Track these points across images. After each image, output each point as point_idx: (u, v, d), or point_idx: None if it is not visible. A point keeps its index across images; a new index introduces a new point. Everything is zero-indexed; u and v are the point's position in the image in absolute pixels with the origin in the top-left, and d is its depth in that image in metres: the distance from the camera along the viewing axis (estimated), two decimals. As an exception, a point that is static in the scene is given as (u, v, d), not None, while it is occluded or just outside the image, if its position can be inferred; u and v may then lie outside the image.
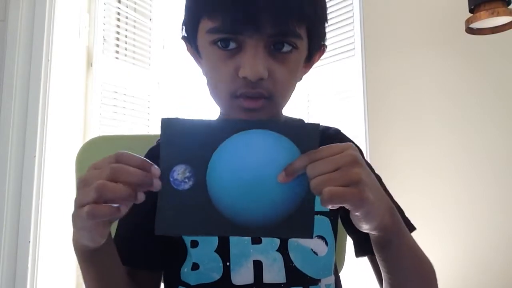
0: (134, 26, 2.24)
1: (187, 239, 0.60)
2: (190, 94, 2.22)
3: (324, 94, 2.00)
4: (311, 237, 0.44)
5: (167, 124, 0.44)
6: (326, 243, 0.62)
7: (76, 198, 0.43)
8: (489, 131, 1.65)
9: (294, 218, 0.44)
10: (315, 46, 0.63)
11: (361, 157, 0.45)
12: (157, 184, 0.43)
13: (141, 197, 0.43)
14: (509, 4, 1.47)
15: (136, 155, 0.44)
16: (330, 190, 0.41)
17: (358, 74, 1.86)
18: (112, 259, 0.53)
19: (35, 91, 1.71)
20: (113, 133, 1.99)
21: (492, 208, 1.58)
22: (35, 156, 1.68)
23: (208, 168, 0.44)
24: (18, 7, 1.71)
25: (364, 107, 1.81)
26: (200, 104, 2.13)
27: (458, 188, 1.64)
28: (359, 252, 0.67)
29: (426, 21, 1.79)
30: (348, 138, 0.70)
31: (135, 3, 2.26)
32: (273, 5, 0.53)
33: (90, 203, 0.41)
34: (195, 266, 0.59)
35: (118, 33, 2.17)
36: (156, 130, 1.81)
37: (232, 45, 0.56)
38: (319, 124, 0.45)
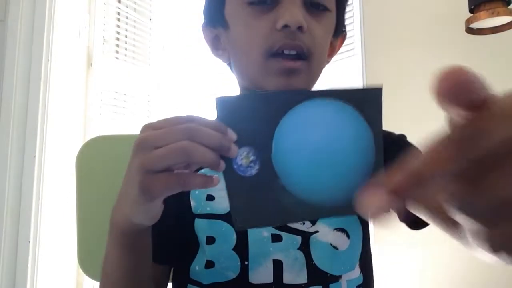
0: (134, 26, 2.24)
1: (203, 234, 0.56)
2: (190, 93, 2.22)
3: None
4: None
5: (223, 103, 0.38)
6: (348, 236, 0.57)
7: (138, 162, 0.36)
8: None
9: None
10: (339, 27, 0.63)
11: None
12: (234, 150, 0.37)
13: (223, 164, 0.37)
14: (509, 4, 1.47)
15: (207, 118, 0.38)
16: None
17: (358, 73, 1.86)
18: (150, 244, 0.48)
19: (35, 91, 1.71)
20: (113, 133, 1.99)
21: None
22: (35, 156, 1.68)
23: (273, 148, 0.39)
24: (18, 7, 1.71)
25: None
26: (200, 103, 2.13)
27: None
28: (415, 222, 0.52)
29: (426, 21, 1.79)
30: (413, 145, 0.61)
31: (135, 3, 2.26)
32: None
33: (171, 166, 0.36)
34: (209, 264, 0.55)
35: (118, 33, 2.17)
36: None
37: (268, 1, 0.54)
38: (381, 87, 0.39)
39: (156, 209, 0.40)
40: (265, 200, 0.39)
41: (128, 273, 0.46)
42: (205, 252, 0.55)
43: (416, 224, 0.55)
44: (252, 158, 0.39)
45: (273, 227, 0.56)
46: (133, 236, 0.43)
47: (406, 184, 0.24)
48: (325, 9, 0.57)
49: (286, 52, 0.54)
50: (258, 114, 0.39)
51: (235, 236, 0.55)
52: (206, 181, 0.37)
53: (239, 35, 0.58)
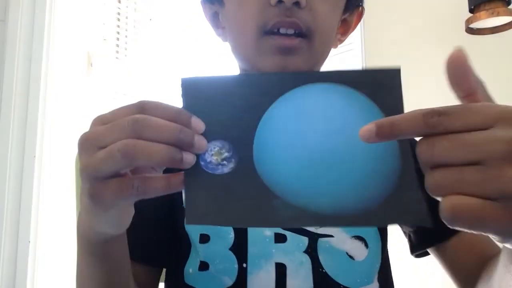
0: (134, 26, 2.24)
1: (195, 232, 0.50)
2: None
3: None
4: (429, 224, 0.29)
5: (189, 85, 0.31)
6: (366, 245, 0.51)
7: (82, 166, 0.30)
8: (489, 131, 1.65)
9: (392, 200, 0.29)
10: (353, 1, 0.56)
11: None
12: (200, 143, 0.29)
13: (189, 159, 0.29)
14: (509, 4, 1.47)
15: (167, 104, 0.30)
16: (457, 204, 0.24)
17: (358, 74, 1.86)
18: (124, 251, 0.41)
19: (35, 91, 1.71)
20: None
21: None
22: (35, 156, 1.68)
23: (256, 143, 0.31)
24: (18, 7, 1.71)
25: (364, 107, 1.82)
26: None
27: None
28: (421, 245, 0.53)
29: (426, 21, 1.79)
30: None
31: (135, 3, 2.26)
32: None
33: (118, 171, 0.29)
34: (203, 266, 0.49)
35: (118, 33, 2.17)
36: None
37: None
38: (399, 68, 0.32)
39: (119, 217, 0.34)
40: (238, 198, 0.31)
41: (101, 283, 0.40)
42: (198, 252, 0.50)
43: (424, 245, 0.54)
44: (225, 154, 0.31)
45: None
46: (101, 245, 0.37)
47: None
48: None
49: (282, 31, 0.48)
50: (237, 100, 0.31)
51: (232, 235, 0.49)
52: (168, 184, 0.30)
53: (233, 12, 0.53)
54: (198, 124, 0.30)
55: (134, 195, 0.29)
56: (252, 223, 0.34)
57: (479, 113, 0.25)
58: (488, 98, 0.27)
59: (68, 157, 1.75)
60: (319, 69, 0.56)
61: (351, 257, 0.50)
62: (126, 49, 2.20)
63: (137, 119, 0.29)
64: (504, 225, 0.24)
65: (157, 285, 0.56)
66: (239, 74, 0.32)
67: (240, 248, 0.49)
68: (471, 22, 1.50)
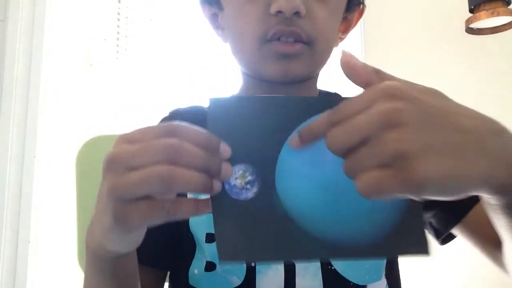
0: (134, 26, 2.25)
1: (201, 232, 0.49)
2: (190, 93, 2.22)
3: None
4: (429, 254, 0.30)
5: (217, 106, 0.31)
6: None
7: (109, 186, 0.30)
8: (489, 131, 1.65)
9: (400, 230, 0.31)
10: (354, 0, 0.55)
11: (408, 89, 0.28)
12: (226, 171, 0.30)
13: (217, 186, 0.30)
14: (509, 4, 1.47)
15: (197, 127, 0.30)
16: (363, 180, 0.27)
17: (358, 74, 1.86)
18: (134, 266, 0.42)
19: (35, 91, 1.71)
20: (113, 133, 1.99)
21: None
22: (35, 156, 1.68)
23: (278, 168, 0.31)
24: (18, 7, 1.71)
25: (364, 107, 1.81)
26: (199, 103, 2.13)
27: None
28: (446, 227, 0.52)
29: (426, 21, 1.79)
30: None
31: (135, 3, 2.26)
32: None
33: (149, 194, 0.29)
34: (210, 266, 0.48)
35: (118, 33, 2.17)
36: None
37: None
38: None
39: (135, 237, 0.35)
40: (262, 230, 0.31)
41: None
42: (205, 252, 0.49)
43: (448, 225, 0.53)
44: (249, 178, 0.31)
45: None
46: (111, 262, 0.38)
47: None
48: None
49: (282, 39, 0.48)
50: (262, 123, 0.31)
51: None
52: (197, 208, 0.30)
53: (232, 19, 0.52)
54: (226, 150, 0.30)
55: (163, 218, 0.30)
56: (277, 258, 0.34)
57: (363, 99, 0.28)
58: (384, 79, 0.30)
59: (68, 157, 1.75)
60: (320, 71, 0.56)
61: None
62: (126, 49, 2.20)
63: (172, 144, 0.29)
64: (404, 185, 0.26)
65: (162, 286, 0.56)
66: (265, 96, 0.32)
67: None
68: (471, 22, 1.50)
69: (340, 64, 0.30)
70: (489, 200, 0.30)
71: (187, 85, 2.23)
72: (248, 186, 0.31)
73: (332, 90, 0.62)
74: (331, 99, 0.34)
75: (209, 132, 0.30)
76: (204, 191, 0.30)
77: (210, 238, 0.49)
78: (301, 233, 0.31)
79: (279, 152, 0.31)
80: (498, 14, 1.43)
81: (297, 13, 0.46)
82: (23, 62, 1.71)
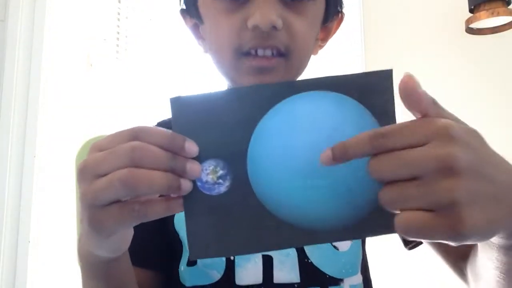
0: (134, 26, 2.25)
1: (183, 230, 0.48)
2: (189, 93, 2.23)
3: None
4: (394, 232, 0.30)
5: (178, 105, 0.31)
6: None
7: (81, 194, 0.31)
8: (489, 131, 1.65)
9: (376, 211, 0.30)
10: (333, 5, 0.55)
11: (465, 136, 0.27)
12: (193, 170, 0.30)
13: (186, 185, 0.30)
14: (509, 4, 1.47)
15: (160, 128, 0.31)
16: (405, 218, 0.27)
17: (358, 74, 1.86)
18: (128, 267, 0.43)
19: (35, 91, 1.71)
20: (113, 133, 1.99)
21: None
22: (35, 156, 1.68)
23: (249, 159, 0.31)
24: (18, 7, 1.71)
25: (364, 107, 1.81)
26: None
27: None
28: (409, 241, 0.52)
29: (426, 21, 1.79)
30: None
31: (135, 3, 2.26)
32: None
33: (117, 199, 0.30)
34: (192, 262, 0.50)
35: (118, 33, 2.17)
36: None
37: None
38: (391, 70, 0.31)
39: (119, 241, 0.35)
40: (236, 224, 0.31)
41: None
42: (187, 248, 0.49)
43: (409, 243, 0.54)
44: (221, 172, 0.31)
45: None
46: (102, 266, 0.38)
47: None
48: None
49: (259, 52, 0.48)
50: (227, 116, 0.30)
51: None
52: (168, 207, 0.31)
53: (211, 32, 0.52)
54: (192, 147, 0.30)
55: (135, 220, 0.30)
56: (251, 249, 0.34)
57: (416, 131, 0.28)
58: (440, 113, 0.29)
59: (68, 157, 1.75)
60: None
61: (335, 247, 0.51)
62: (126, 49, 2.20)
63: (133, 147, 0.29)
64: (447, 232, 0.26)
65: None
66: (227, 89, 0.33)
67: None
68: (471, 22, 1.51)
69: (398, 85, 0.29)
70: (493, 240, 0.32)
71: (187, 85, 2.23)
72: (220, 180, 0.31)
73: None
74: (292, 84, 0.31)
75: (173, 131, 0.30)
76: (170, 192, 0.30)
77: None
78: (275, 222, 0.31)
79: (248, 142, 0.31)
80: (498, 14, 1.44)
81: (274, 27, 0.46)
82: (23, 62, 1.71)
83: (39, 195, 1.68)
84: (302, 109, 0.30)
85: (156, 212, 0.30)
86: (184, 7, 0.58)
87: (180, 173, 0.30)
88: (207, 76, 2.07)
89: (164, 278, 0.56)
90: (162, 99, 2.34)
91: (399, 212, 0.28)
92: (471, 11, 1.53)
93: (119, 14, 2.19)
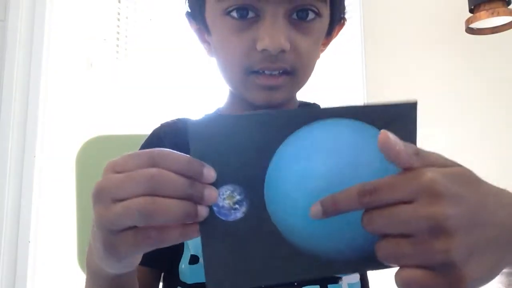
0: (134, 26, 2.25)
1: None
2: (190, 93, 2.22)
3: (324, 94, 1.99)
4: None
5: (197, 129, 0.30)
6: None
7: (97, 217, 0.31)
8: (489, 131, 1.65)
9: None
10: (337, 17, 0.57)
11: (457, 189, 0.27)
12: (211, 196, 0.30)
13: (203, 212, 0.30)
14: (509, 4, 1.47)
15: (178, 153, 0.30)
16: (403, 276, 0.27)
17: (358, 74, 1.86)
18: (134, 277, 0.43)
19: (35, 91, 1.71)
20: (113, 133, 1.99)
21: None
22: (35, 156, 1.68)
23: (266, 185, 0.30)
24: (18, 7, 1.71)
25: (364, 107, 1.81)
26: (199, 103, 2.13)
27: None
28: None
29: (426, 21, 1.79)
30: None
31: (135, 3, 2.26)
32: None
33: (133, 225, 0.30)
34: (193, 259, 0.50)
35: (118, 33, 2.17)
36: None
37: (250, 14, 0.49)
38: (416, 102, 0.31)
39: (130, 261, 0.35)
40: (252, 252, 0.30)
41: None
42: (189, 247, 0.51)
43: None
44: (237, 198, 0.30)
45: None
46: (111, 280, 0.39)
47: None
48: (315, 15, 0.51)
49: (267, 72, 0.50)
50: (246, 141, 0.30)
51: None
52: (184, 233, 0.30)
53: (219, 47, 0.54)
54: (210, 173, 0.30)
55: (149, 246, 0.30)
56: (268, 281, 0.33)
57: (403, 187, 0.27)
58: (425, 163, 0.29)
59: (68, 157, 1.75)
60: (302, 88, 0.57)
61: None
62: (126, 49, 2.20)
63: (152, 175, 0.29)
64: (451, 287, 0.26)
65: (157, 286, 0.57)
66: (246, 114, 0.31)
67: None
68: (471, 22, 1.50)
69: (378, 143, 0.28)
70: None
71: (187, 85, 2.23)
72: (237, 206, 0.30)
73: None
74: (313, 111, 0.31)
75: (191, 157, 0.30)
76: (187, 219, 0.30)
77: None
78: (291, 250, 0.30)
79: (266, 169, 0.30)
80: (498, 14, 1.43)
81: (282, 51, 0.48)
82: (23, 62, 1.71)
83: (39, 195, 1.68)
84: (321, 137, 0.30)
85: (171, 239, 0.30)
86: (189, 10, 0.59)
87: (197, 200, 0.30)
88: (206, 76, 2.07)
89: (160, 275, 0.56)
90: (162, 99, 2.34)
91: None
92: (471, 11, 1.53)
93: (119, 14, 2.19)
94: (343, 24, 0.60)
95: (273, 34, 0.47)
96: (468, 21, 1.52)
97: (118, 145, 0.79)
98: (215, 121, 0.30)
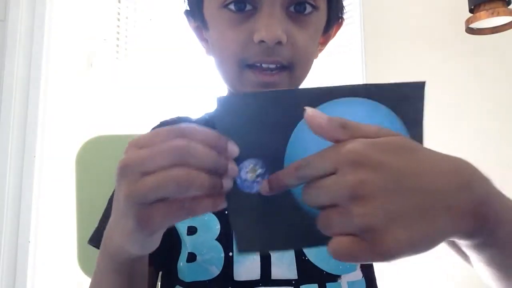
0: (134, 26, 2.25)
1: (183, 226, 0.52)
2: (190, 93, 2.22)
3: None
4: None
5: (223, 104, 0.32)
6: None
7: (126, 192, 0.31)
8: (489, 131, 1.65)
9: None
10: (334, 15, 0.57)
11: (375, 155, 0.28)
12: (233, 170, 0.31)
13: (228, 184, 0.31)
14: (509, 4, 1.47)
15: (205, 128, 0.31)
16: (333, 245, 0.28)
17: (358, 74, 1.86)
18: (146, 265, 0.44)
19: (35, 91, 1.71)
20: (113, 133, 1.99)
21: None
22: (35, 156, 1.68)
23: (286, 158, 0.32)
24: (18, 7, 1.71)
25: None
26: (198, 103, 2.13)
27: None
28: None
29: (426, 21, 1.79)
30: None
31: (135, 3, 2.26)
32: None
33: (166, 196, 0.31)
34: (191, 257, 0.51)
35: (118, 33, 2.17)
36: (156, 130, 1.80)
37: (248, 7, 0.49)
38: (424, 82, 0.33)
39: (155, 239, 0.36)
40: (275, 221, 0.33)
41: None
42: (186, 244, 0.52)
43: None
44: (259, 171, 0.32)
45: None
46: (128, 263, 0.39)
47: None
48: (312, 8, 0.51)
49: (264, 65, 0.50)
50: (268, 117, 0.32)
51: (219, 226, 0.51)
52: (214, 204, 0.31)
53: (216, 40, 0.54)
54: (234, 149, 0.31)
55: (183, 216, 0.31)
56: (289, 246, 0.36)
57: (327, 159, 0.29)
58: (353, 134, 0.29)
59: (68, 157, 1.75)
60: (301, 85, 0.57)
61: None
62: (126, 49, 2.20)
63: (181, 146, 0.30)
64: (372, 255, 0.27)
65: (156, 285, 0.57)
66: (269, 92, 0.33)
67: (226, 238, 0.50)
68: (471, 22, 1.50)
69: (306, 121, 0.30)
70: (459, 241, 0.31)
71: (187, 85, 2.24)
72: (259, 179, 0.32)
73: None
74: (331, 91, 0.33)
75: (217, 131, 0.31)
76: (214, 190, 0.31)
77: (191, 230, 0.51)
78: (309, 219, 0.31)
79: (286, 143, 0.32)
80: (498, 14, 1.43)
81: (279, 43, 0.48)
82: (23, 62, 1.71)
83: (39, 195, 1.68)
84: (337, 114, 0.31)
85: (203, 209, 0.31)
86: (188, 8, 0.59)
87: (221, 172, 0.31)
88: (206, 76, 2.07)
89: (158, 273, 0.57)
90: (162, 99, 2.34)
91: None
92: (471, 11, 1.53)
93: (119, 14, 2.19)
94: (341, 23, 0.61)
95: (270, 25, 0.47)
96: (468, 21, 1.52)
97: (118, 145, 0.79)
98: (240, 98, 0.32)
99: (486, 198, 0.29)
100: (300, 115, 0.31)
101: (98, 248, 0.46)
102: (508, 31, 1.53)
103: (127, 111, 2.14)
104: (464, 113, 1.69)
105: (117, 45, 2.16)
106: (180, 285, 0.52)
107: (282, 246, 0.35)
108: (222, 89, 0.60)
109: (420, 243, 0.27)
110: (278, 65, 0.50)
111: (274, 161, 0.32)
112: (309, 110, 0.30)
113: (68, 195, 1.72)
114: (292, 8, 0.50)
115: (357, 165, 0.27)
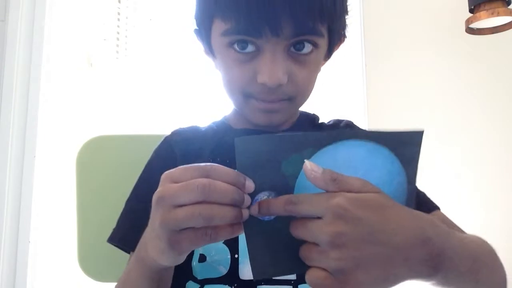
0: (134, 26, 2.25)
1: None
2: (190, 94, 2.22)
3: (323, 94, 2.00)
4: None
5: (242, 145, 0.37)
6: None
7: (161, 220, 0.37)
8: (489, 131, 1.65)
9: None
10: (336, 40, 0.60)
11: (357, 209, 0.35)
12: (248, 202, 0.38)
13: (246, 214, 0.38)
14: (509, 4, 1.47)
15: (226, 168, 0.38)
16: (311, 275, 0.36)
17: (358, 74, 1.86)
18: (172, 273, 0.52)
19: (35, 91, 1.71)
20: (113, 133, 1.99)
21: (492, 212, 1.58)
22: (35, 156, 1.68)
23: (295, 191, 0.38)
24: (18, 7, 1.71)
25: (364, 107, 1.82)
26: (198, 104, 2.13)
27: (457, 189, 1.64)
28: None
29: (426, 21, 1.79)
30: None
31: (135, 3, 2.26)
32: (291, 4, 0.49)
33: (195, 225, 0.37)
34: (202, 258, 0.57)
35: (118, 33, 2.17)
36: (156, 130, 1.80)
37: (250, 48, 0.53)
38: (423, 131, 0.39)
39: (183, 257, 0.41)
40: (284, 246, 0.39)
41: None
42: None
43: None
44: None
45: None
46: (159, 272, 0.46)
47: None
48: (313, 46, 0.54)
49: (266, 99, 0.55)
50: (281, 156, 0.37)
51: None
52: (233, 231, 0.38)
53: (222, 72, 0.58)
54: (250, 185, 0.38)
55: (206, 242, 0.38)
56: (298, 270, 0.41)
57: (316, 205, 0.36)
58: (341, 187, 0.36)
59: (68, 157, 1.75)
60: (301, 108, 0.63)
61: None
62: (126, 49, 2.20)
63: (205, 184, 0.36)
64: None
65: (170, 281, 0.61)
66: (281, 135, 0.38)
67: (233, 241, 0.56)
68: (471, 22, 1.51)
69: (304, 170, 0.37)
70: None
71: (187, 85, 2.24)
72: None
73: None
74: (337, 134, 0.38)
75: (237, 170, 0.38)
76: (236, 221, 0.37)
77: None
78: None
79: (296, 179, 0.38)
80: (498, 14, 1.43)
81: (280, 85, 0.53)
82: (23, 62, 1.71)
83: (39, 195, 1.68)
84: (342, 154, 0.38)
85: (223, 236, 0.38)
86: (196, 30, 0.63)
87: (239, 205, 0.37)
88: (206, 76, 2.07)
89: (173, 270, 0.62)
90: (162, 99, 2.34)
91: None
92: (471, 11, 1.53)
93: (119, 14, 2.19)
94: (343, 40, 0.63)
95: (272, 70, 0.52)
96: (468, 21, 1.52)
97: (118, 145, 0.79)
98: (257, 139, 0.37)
99: (442, 251, 0.36)
100: (309, 155, 0.37)
101: (118, 247, 0.58)
102: (508, 31, 1.53)
103: (127, 111, 2.14)
104: (464, 113, 1.69)
105: (117, 45, 2.16)
106: (194, 281, 0.57)
107: (291, 270, 0.41)
108: (222, 88, 0.61)
109: (377, 285, 0.35)
110: (279, 99, 0.55)
111: (285, 193, 0.38)
112: (307, 163, 0.36)
113: (68, 195, 1.72)
114: (292, 48, 0.53)
115: (338, 217, 0.34)
